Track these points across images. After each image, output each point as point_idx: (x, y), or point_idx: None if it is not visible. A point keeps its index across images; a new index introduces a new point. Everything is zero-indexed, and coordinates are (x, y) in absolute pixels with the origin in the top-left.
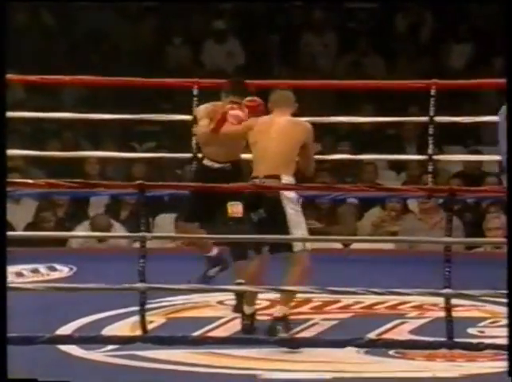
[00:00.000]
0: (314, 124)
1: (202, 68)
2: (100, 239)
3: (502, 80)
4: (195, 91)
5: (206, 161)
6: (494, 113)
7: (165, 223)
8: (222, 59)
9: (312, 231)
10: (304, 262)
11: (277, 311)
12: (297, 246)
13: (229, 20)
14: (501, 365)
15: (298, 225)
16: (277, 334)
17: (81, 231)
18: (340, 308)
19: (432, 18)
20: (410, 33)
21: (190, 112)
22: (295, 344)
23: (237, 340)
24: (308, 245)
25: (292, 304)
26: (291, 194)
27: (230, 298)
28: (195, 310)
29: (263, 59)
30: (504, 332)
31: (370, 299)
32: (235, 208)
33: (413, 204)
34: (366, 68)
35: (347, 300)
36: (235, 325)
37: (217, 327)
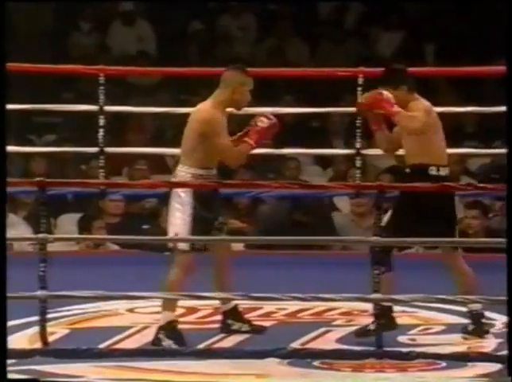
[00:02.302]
0: (230, 115)
1: (109, 54)
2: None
3: (435, 68)
4: (101, 79)
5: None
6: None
7: (69, 223)
8: (131, 43)
9: (232, 232)
10: (180, 263)
11: (161, 319)
12: (172, 246)
13: (138, 1)
14: (433, 375)
15: (175, 223)
16: (162, 345)
17: None
18: (262, 315)
19: (358, 2)
20: (335, 17)
21: (95, 102)
22: (211, 355)
23: (148, 352)
24: (183, 245)
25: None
26: (185, 195)
27: (141, 306)
28: (103, 320)
29: (176, 44)
30: (436, 339)
31: (294, 306)
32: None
33: (341, 203)
34: (287, 55)
35: (269, 307)
36: (146, 336)
37: (126, 338)
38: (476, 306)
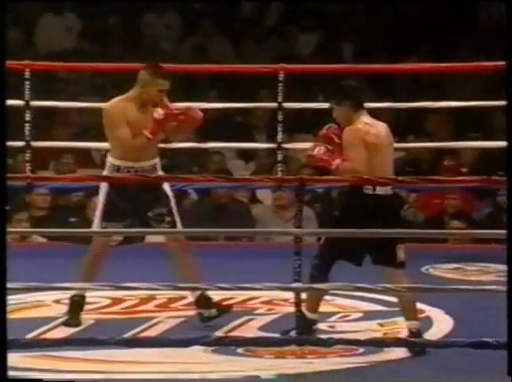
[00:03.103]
0: None
1: (35, 49)
2: None
3: (353, 65)
4: (27, 75)
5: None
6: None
7: None
8: (58, 38)
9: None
10: (91, 250)
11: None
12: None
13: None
14: (351, 361)
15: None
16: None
17: None
18: (186, 305)
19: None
20: (256, 16)
21: (22, 97)
22: (138, 344)
23: (75, 341)
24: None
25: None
26: (103, 183)
27: (67, 298)
28: (30, 311)
29: (102, 40)
30: (354, 326)
31: (218, 295)
32: (403, 254)
33: (262, 195)
34: (211, 52)
35: (193, 296)
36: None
37: (53, 328)
38: (414, 325)
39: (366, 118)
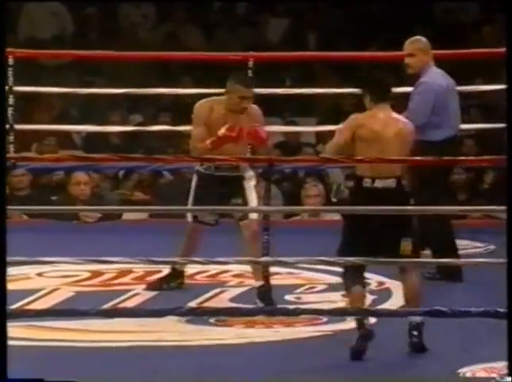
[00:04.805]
0: (135, 95)
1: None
2: None
3: (319, 53)
4: (10, 61)
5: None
6: (312, 85)
7: None
8: (43, 26)
9: (137, 202)
10: (185, 232)
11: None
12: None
13: None
14: (315, 329)
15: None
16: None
17: None
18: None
19: None
20: (226, 5)
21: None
22: (116, 314)
23: (57, 312)
24: (188, 216)
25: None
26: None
27: (49, 271)
28: (14, 283)
29: (82, 29)
30: (319, 297)
31: (191, 268)
32: (408, 247)
33: None
34: (183, 40)
35: (168, 270)
36: (55, 297)
37: (37, 299)
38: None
39: (379, 112)
